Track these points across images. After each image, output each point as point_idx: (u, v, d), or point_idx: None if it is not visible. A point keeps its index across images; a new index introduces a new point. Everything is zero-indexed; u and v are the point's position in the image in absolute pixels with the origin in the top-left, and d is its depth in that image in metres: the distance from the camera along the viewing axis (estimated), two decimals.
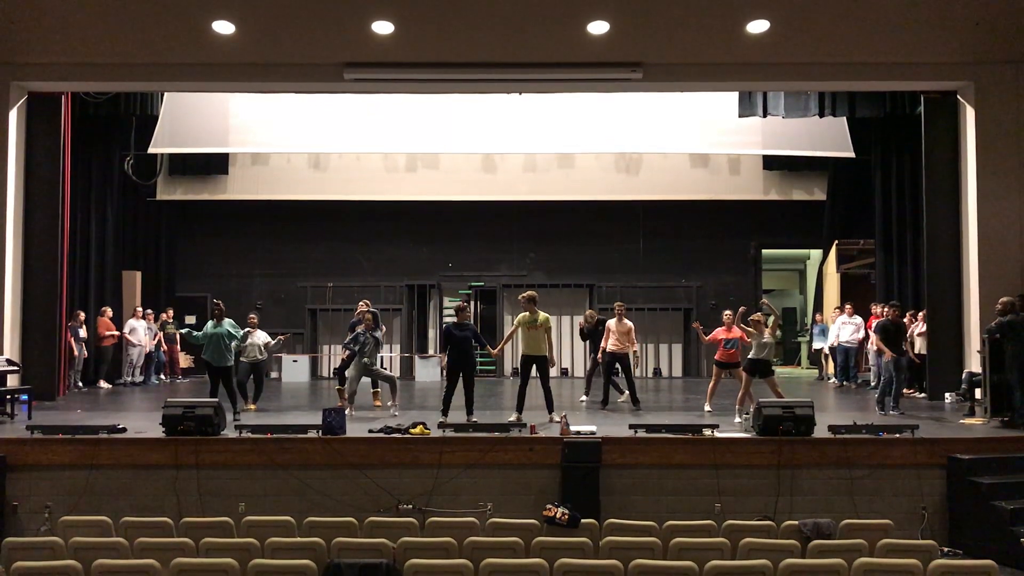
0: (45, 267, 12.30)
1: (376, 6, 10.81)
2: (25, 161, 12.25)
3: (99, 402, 12.44)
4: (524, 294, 10.34)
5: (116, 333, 14.77)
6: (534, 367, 10.20)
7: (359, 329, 11.07)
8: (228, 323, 10.65)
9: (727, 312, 10.96)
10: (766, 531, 6.95)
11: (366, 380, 11.39)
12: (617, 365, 11.57)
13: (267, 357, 11.83)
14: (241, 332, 10.96)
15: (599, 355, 11.95)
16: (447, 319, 17.82)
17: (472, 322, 13.00)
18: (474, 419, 9.75)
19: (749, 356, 10.32)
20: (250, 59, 11.73)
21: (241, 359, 11.26)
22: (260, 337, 11.50)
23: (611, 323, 11.60)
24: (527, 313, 10.18)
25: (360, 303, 11.89)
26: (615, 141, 16.18)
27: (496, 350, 11.08)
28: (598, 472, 8.33)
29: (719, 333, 10.87)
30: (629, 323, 11.64)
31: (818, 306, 17.46)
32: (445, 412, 9.95)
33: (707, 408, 10.94)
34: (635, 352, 11.84)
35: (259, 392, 11.55)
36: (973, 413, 10.31)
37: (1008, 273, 11.45)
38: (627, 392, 11.70)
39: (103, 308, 14.83)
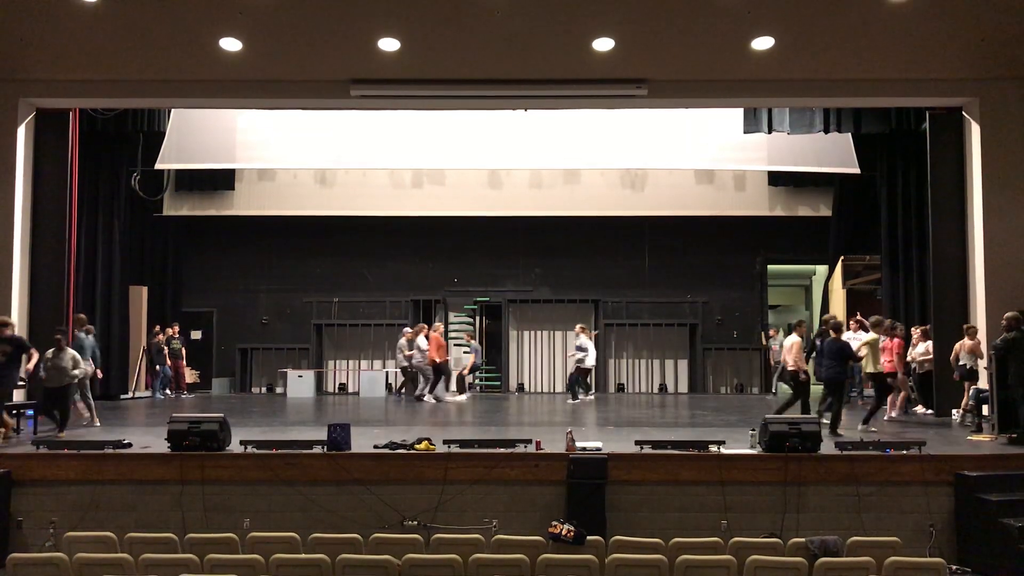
0: (52, 282, 12.34)
1: (382, 23, 10.86)
2: (33, 177, 12.33)
3: (104, 417, 12.41)
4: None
5: None
6: None
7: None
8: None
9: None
10: (773, 548, 6.91)
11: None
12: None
13: (73, 380, 10.22)
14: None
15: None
16: (451, 334, 17.84)
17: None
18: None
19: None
20: (257, 76, 11.83)
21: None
22: (68, 357, 10.08)
23: (786, 341, 11.51)
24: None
25: None
26: (620, 157, 16.24)
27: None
28: (604, 489, 8.28)
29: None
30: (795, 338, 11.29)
31: None
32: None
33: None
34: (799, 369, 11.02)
35: (64, 420, 10.04)
36: (981, 430, 10.26)
37: (1015, 288, 11.41)
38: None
39: None
